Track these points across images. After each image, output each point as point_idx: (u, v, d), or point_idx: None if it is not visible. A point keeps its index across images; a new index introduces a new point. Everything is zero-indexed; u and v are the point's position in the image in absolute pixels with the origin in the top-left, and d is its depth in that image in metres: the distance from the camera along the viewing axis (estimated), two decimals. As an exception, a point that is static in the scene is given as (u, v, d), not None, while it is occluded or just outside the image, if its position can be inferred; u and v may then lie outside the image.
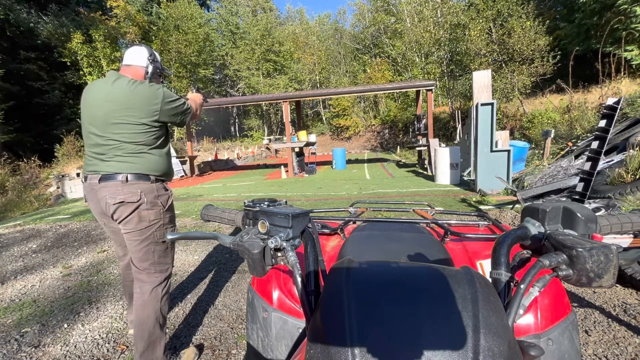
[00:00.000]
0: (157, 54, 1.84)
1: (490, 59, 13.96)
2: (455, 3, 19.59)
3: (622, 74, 9.85)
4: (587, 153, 3.94)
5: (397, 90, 17.08)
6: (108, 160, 1.59)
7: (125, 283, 2.02)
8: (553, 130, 7.26)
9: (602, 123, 3.78)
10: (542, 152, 7.43)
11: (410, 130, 19.71)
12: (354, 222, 1.27)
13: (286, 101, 11.88)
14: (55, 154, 12.05)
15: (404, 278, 0.49)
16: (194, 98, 1.93)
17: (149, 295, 1.65)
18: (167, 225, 1.73)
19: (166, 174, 1.76)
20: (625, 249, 2.08)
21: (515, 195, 4.77)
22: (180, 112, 1.73)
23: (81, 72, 17.23)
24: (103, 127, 1.58)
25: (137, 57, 1.74)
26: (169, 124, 1.76)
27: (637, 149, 4.01)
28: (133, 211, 1.60)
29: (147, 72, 1.75)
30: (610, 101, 3.75)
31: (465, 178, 7.49)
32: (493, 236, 1.05)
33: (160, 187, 1.71)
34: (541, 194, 4.53)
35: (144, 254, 1.65)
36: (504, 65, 13.44)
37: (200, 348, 1.98)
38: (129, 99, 1.57)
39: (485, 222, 1.19)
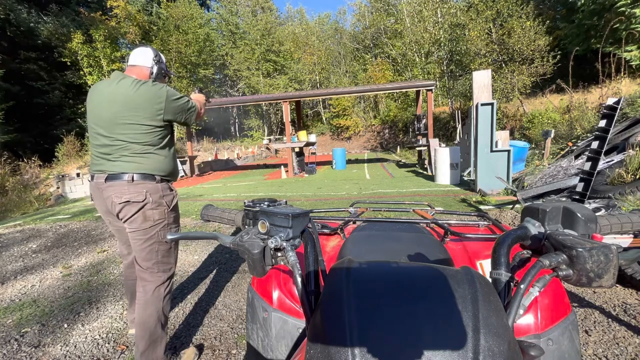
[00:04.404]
0: (162, 55, 1.85)
1: (490, 59, 13.96)
2: (455, 3, 19.60)
3: (622, 74, 9.84)
4: (587, 153, 3.94)
5: (397, 90, 17.08)
6: (114, 160, 1.60)
7: (127, 282, 2.03)
8: (553, 130, 7.26)
9: (602, 123, 3.78)
10: (542, 152, 7.42)
11: (410, 130, 19.71)
12: (354, 222, 1.26)
13: (286, 101, 11.88)
14: (56, 154, 12.07)
15: (404, 278, 0.49)
16: (197, 98, 1.94)
17: (152, 294, 1.66)
18: (171, 225, 1.74)
19: (171, 174, 1.77)
20: (625, 249, 2.07)
21: (515, 195, 4.77)
22: (185, 109, 1.74)
23: (81, 72, 17.18)
24: (109, 127, 1.59)
25: (142, 57, 1.75)
26: (175, 123, 1.77)
27: (637, 149, 4.01)
28: (138, 210, 1.61)
29: (152, 73, 1.77)
30: (610, 101, 3.75)
31: (465, 178, 7.49)
32: (493, 236, 1.05)
33: (166, 187, 1.72)
34: (541, 194, 4.53)
35: (148, 253, 1.66)
36: (504, 65, 13.44)
37: (200, 348, 1.98)
38: (133, 99, 1.58)
39: (485, 222, 1.19)
